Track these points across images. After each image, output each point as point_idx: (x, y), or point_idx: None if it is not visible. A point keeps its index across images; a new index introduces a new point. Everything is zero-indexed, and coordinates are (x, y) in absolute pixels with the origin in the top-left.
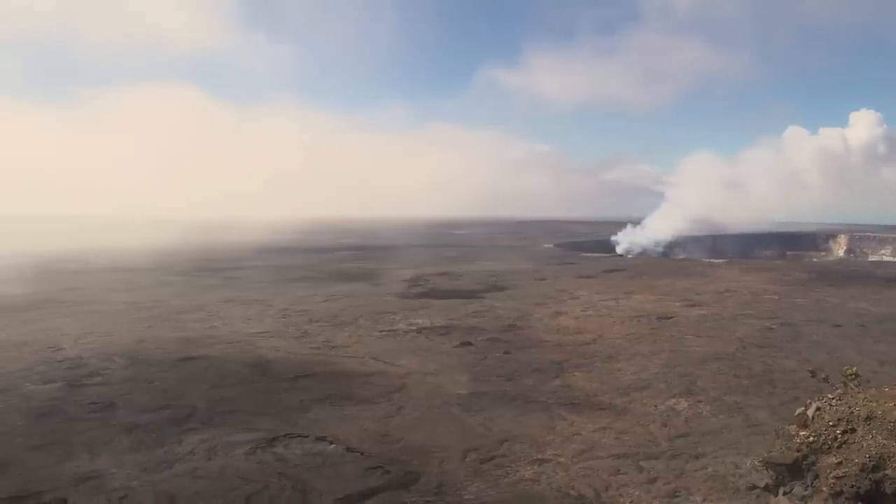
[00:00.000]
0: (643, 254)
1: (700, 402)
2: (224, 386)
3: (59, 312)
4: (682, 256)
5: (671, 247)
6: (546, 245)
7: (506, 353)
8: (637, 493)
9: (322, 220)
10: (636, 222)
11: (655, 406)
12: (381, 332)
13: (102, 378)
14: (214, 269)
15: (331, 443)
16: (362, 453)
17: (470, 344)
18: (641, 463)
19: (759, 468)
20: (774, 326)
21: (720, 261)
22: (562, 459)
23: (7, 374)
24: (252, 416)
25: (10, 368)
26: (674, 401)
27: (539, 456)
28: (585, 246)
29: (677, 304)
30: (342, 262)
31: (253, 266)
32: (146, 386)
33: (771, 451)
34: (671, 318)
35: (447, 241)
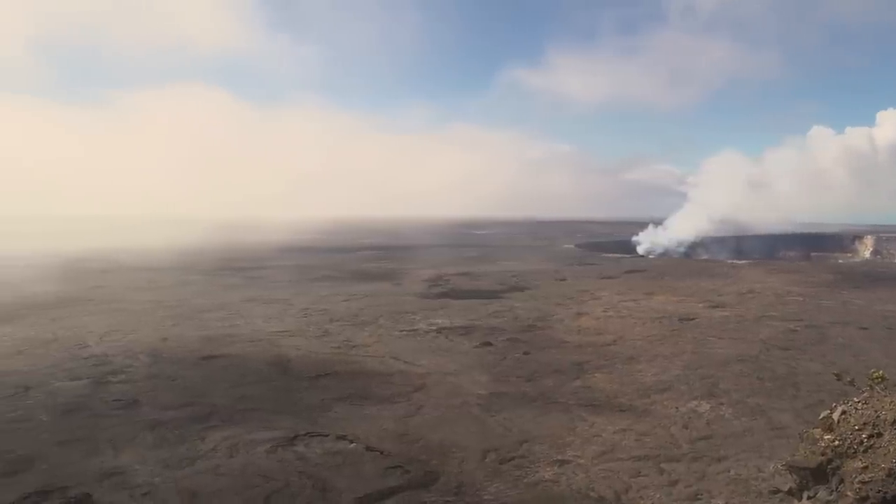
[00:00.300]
0: (665, 254)
1: (722, 404)
2: (245, 384)
3: (85, 310)
4: (704, 257)
5: (694, 247)
6: (566, 245)
7: (526, 353)
8: (658, 496)
9: (344, 220)
10: (658, 223)
11: (677, 408)
12: (401, 331)
13: (126, 375)
14: (237, 269)
15: (351, 442)
16: (382, 452)
17: (490, 344)
18: (662, 465)
19: (783, 472)
20: (799, 328)
21: (743, 262)
22: (582, 461)
23: (34, 370)
24: (273, 415)
25: (38, 365)
26: (695, 403)
27: (559, 457)
28: (606, 246)
29: (699, 305)
30: (363, 262)
31: (275, 265)
32: (169, 383)
33: (795, 455)
34: (693, 319)
35: (468, 241)
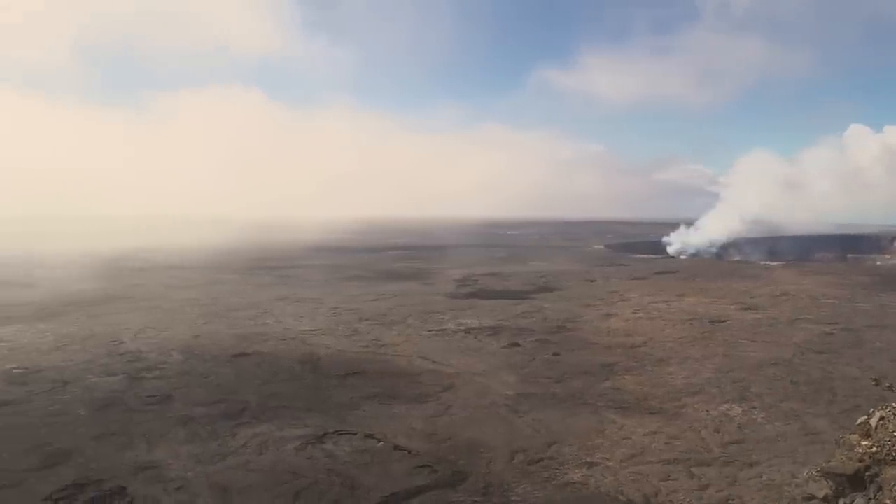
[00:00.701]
0: (696, 255)
1: (754, 408)
2: (276, 382)
3: (121, 308)
4: (736, 258)
5: (725, 248)
6: (596, 246)
7: (555, 354)
8: (688, 500)
9: (375, 219)
10: (689, 223)
11: (707, 411)
12: (429, 331)
13: (160, 372)
14: (269, 268)
15: (379, 440)
16: (410, 451)
17: (518, 345)
18: (693, 469)
19: (818, 478)
20: (834, 332)
21: (777, 263)
22: (611, 463)
23: (72, 366)
24: (302, 412)
25: (76, 360)
26: (727, 406)
27: (588, 459)
28: (636, 247)
29: (731, 307)
30: (393, 262)
31: (306, 265)
32: (201, 380)
33: (830, 461)
34: (725, 321)
35: (497, 241)
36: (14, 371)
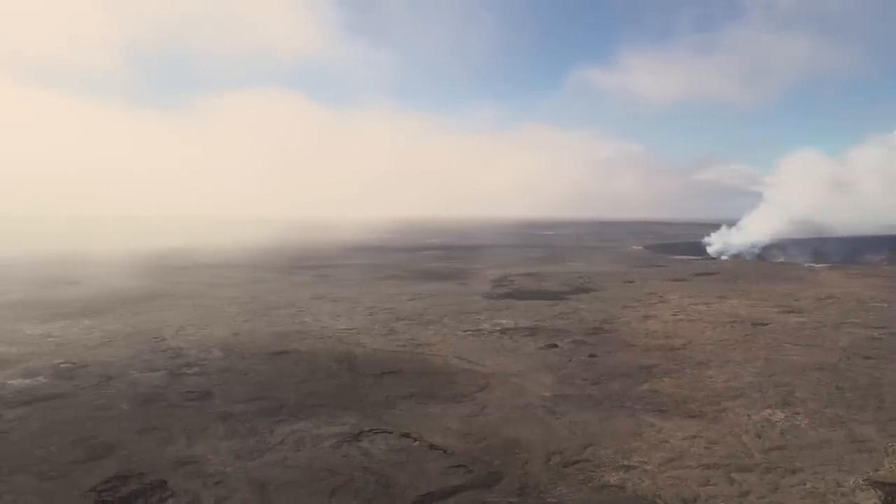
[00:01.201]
0: (738, 256)
1: (798, 413)
2: (313, 380)
3: (164, 305)
4: (780, 260)
5: (768, 249)
6: (634, 246)
7: (591, 356)
8: None
9: (413, 219)
10: (730, 224)
11: (749, 416)
12: (465, 331)
13: (200, 368)
14: (308, 267)
15: (415, 440)
16: (445, 451)
17: (555, 346)
18: (733, 475)
19: (865, 488)
20: (883, 336)
21: (822, 265)
22: (648, 467)
23: (116, 361)
24: (339, 410)
25: (120, 356)
26: (769, 411)
27: (625, 462)
28: (675, 248)
29: (774, 309)
30: (430, 262)
31: (344, 264)
32: (240, 377)
33: (879, 470)
34: (767, 324)
35: (534, 241)
36: (62, 366)
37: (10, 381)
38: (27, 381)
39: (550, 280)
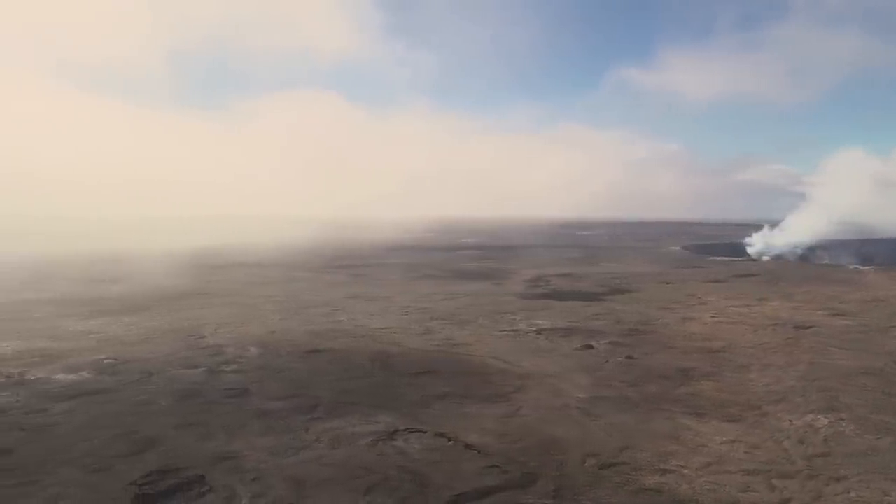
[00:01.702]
0: (780, 258)
1: (843, 419)
2: (348, 378)
3: (202, 303)
4: (824, 262)
5: (812, 250)
6: (672, 247)
7: (629, 357)
8: None
9: (450, 219)
10: (772, 225)
11: (791, 421)
12: (501, 331)
13: (238, 366)
14: (344, 266)
15: (450, 439)
16: (480, 451)
17: (591, 347)
18: (774, 481)
19: None
20: None
21: (868, 267)
22: (686, 471)
23: (156, 358)
24: (374, 409)
25: (159, 353)
26: (812, 416)
27: (662, 466)
28: (714, 249)
29: (818, 312)
30: (466, 261)
31: (380, 264)
32: (277, 375)
33: None
34: (810, 327)
35: (570, 241)
36: (104, 361)
37: (55, 376)
38: (71, 376)
39: (587, 281)
